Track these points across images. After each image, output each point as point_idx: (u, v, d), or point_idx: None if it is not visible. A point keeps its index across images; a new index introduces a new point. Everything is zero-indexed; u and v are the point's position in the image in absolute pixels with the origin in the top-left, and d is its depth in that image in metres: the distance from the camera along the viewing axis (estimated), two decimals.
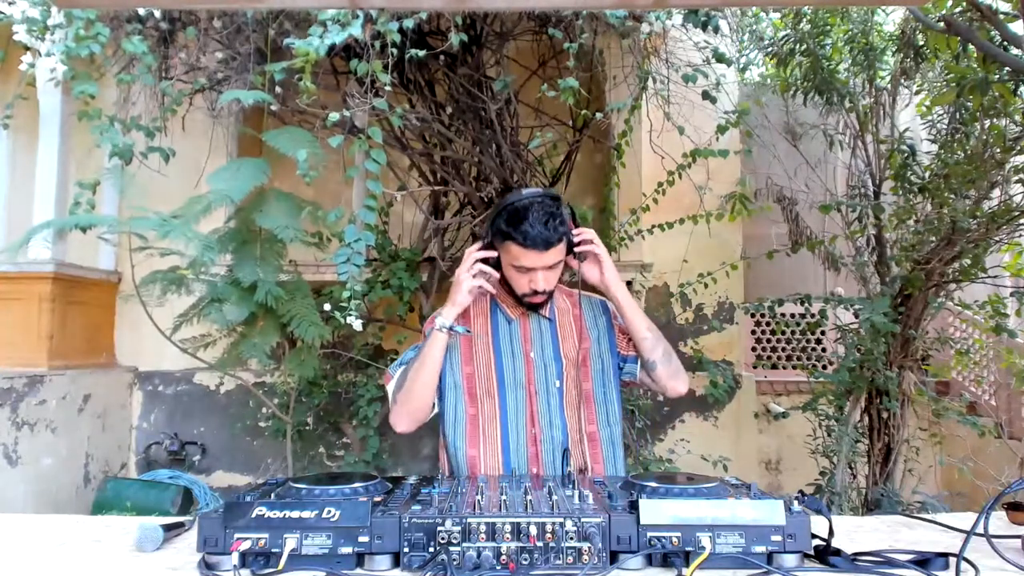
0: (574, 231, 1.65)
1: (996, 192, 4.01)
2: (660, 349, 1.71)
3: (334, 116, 3.15)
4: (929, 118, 4.35)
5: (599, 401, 1.74)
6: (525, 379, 1.71)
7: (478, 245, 1.66)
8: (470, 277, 1.62)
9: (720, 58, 3.71)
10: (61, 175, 4.72)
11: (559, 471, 1.62)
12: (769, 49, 4.76)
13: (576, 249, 1.66)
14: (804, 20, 4.44)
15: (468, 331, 1.71)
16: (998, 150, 3.74)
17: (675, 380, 1.73)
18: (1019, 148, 3.72)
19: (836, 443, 4.14)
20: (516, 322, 1.75)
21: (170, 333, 4.04)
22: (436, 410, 1.73)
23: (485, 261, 1.64)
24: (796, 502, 1.18)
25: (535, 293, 1.64)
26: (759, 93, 5.30)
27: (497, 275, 1.67)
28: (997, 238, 4.02)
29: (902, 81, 4.66)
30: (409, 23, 3.21)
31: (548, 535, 1.12)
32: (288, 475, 3.82)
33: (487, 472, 1.67)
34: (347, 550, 1.13)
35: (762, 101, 5.08)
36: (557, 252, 1.61)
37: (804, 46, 4.38)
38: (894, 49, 4.60)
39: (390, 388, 1.73)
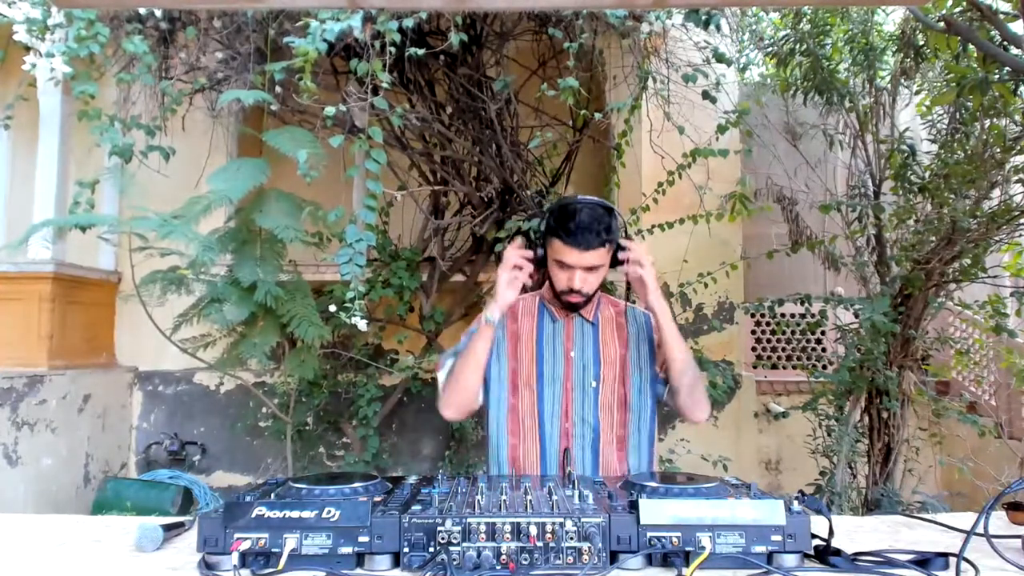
0: (625, 246, 1.68)
1: (996, 192, 4.01)
2: (688, 377, 1.74)
3: (330, 110, 3.15)
4: (929, 118, 4.35)
5: (633, 408, 1.78)
6: (563, 376, 1.77)
7: (518, 242, 1.73)
8: (508, 269, 1.66)
9: (720, 58, 3.71)
10: (61, 175, 4.72)
11: (588, 468, 1.71)
12: (769, 49, 4.75)
13: (622, 268, 1.69)
14: (804, 20, 4.44)
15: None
16: (998, 150, 3.74)
17: (694, 410, 1.78)
18: (1019, 148, 3.72)
19: (836, 443, 4.14)
20: (561, 323, 1.81)
21: (170, 333, 4.03)
22: (481, 402, 1.79)
23: (527, 259, 1.68)
24: (796, 502, 1.19)
25: (571, 291, 1.68)
26: (759, 93, 5.29)
27: (530, 268, 1.69)
28: (997, 238, 4.02)
29: (902, 81, 4.66)
30: (409, 23, 3.21)
31: (548, 535, 1.12)
32: (288, 475, 3.82)
33: (525, 461, 1.73)
34: (347, 550, 1.13)
35: (762, 101, 5.07)
36: (597, 256, 1.65)
37: (804, 46, 4.37)
38: (894, 49, 4.60)
39: (440, 376, 1.80)
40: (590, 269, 1.66)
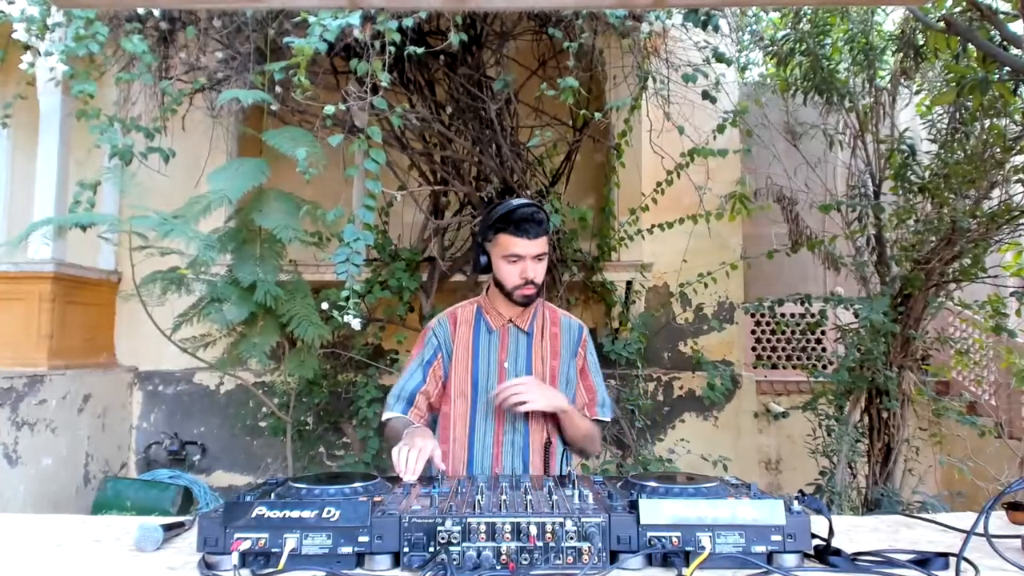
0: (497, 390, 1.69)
1: (996, 192, 4.01)
2: (581, 445, 1.86)
3: (329, 108, 3.15)
4: (929, 118, 4.35)
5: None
6: (496, 385, 1.79)
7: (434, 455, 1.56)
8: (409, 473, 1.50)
9: (720, 58, 3.71)
10: (61, 175, 4.71)
11: (517, 473, 1.74)
12: (769, 49, 4.75)
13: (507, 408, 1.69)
14: (804, 20, 4.44)
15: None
16: (998, 150, 3.74)
17: (580, 455, 1.94)
18: (1019, 148, 3.72)
19: (836, 443, 4.14)
20: (496, 332, 1.84)
21: (170, 333, 4.03)
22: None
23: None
24: (796, 502, 1.19)
25: (526, 283, 1.73)
26: (759, 93, 5.30)
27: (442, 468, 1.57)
28: (997, 238, 4.02)
29: (902, 81, 4.66)
30: (408, 22, 3.21)
31: (548, 535, 1.12)
32: (288, 475, 3.82)
33: (454, 466, 1.77)
34: (347, 550, 1.13)
35: (762, 101, 5.07)
36: (542, 244, 1.73)
37: (804, 46, 4.37)
38: (894, 49, 4.60)
39: (384, 417, 1.83)
40: (538, 258, 1.73)
